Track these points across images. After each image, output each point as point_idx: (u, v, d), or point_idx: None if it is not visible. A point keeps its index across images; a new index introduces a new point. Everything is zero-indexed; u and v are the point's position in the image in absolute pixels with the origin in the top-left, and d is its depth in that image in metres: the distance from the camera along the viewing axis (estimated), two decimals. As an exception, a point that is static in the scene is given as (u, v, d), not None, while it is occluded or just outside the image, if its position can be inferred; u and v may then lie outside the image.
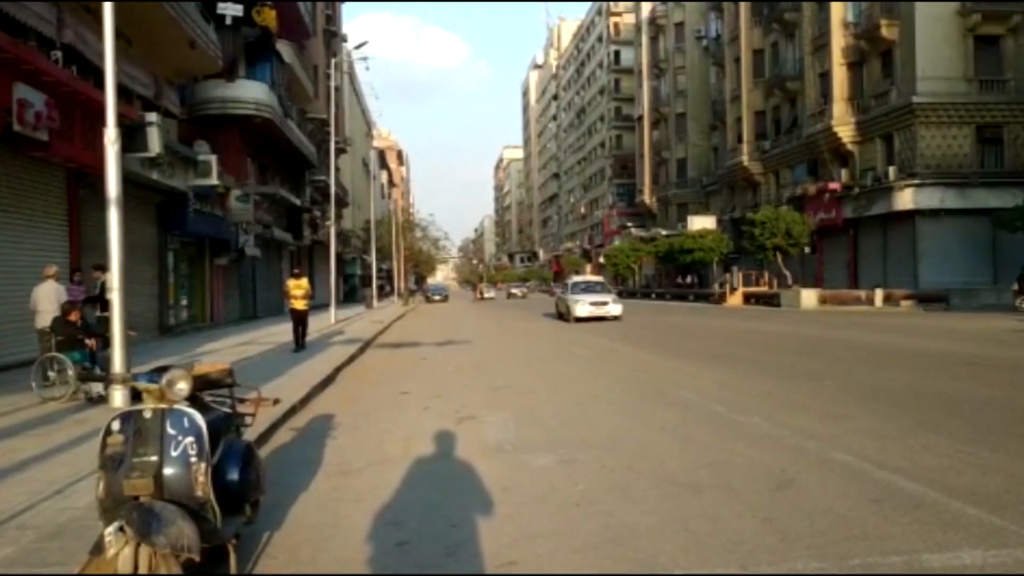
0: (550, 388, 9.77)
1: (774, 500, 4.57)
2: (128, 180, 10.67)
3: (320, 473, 5.59)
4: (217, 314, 23.76)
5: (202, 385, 3.56)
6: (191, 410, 3.20)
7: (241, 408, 4.11)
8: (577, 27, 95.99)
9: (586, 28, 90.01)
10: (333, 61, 32.20)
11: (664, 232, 54.79)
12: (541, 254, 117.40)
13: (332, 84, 32.06)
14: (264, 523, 4.16)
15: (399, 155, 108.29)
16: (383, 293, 54.49)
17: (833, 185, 36.28)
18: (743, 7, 45.81)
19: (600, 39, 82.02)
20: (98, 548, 2.76)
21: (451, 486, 5.16)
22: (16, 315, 11.71)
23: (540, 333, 20.92)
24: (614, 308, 24.19)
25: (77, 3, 14.05)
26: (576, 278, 31.41)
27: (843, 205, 35.97)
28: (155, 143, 14.63)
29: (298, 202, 34.03)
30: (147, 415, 3.16)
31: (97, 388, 8.35)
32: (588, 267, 71.93)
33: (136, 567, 2.73)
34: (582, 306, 24.10)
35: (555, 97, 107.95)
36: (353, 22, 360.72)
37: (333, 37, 43.74)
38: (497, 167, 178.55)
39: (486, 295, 61.26)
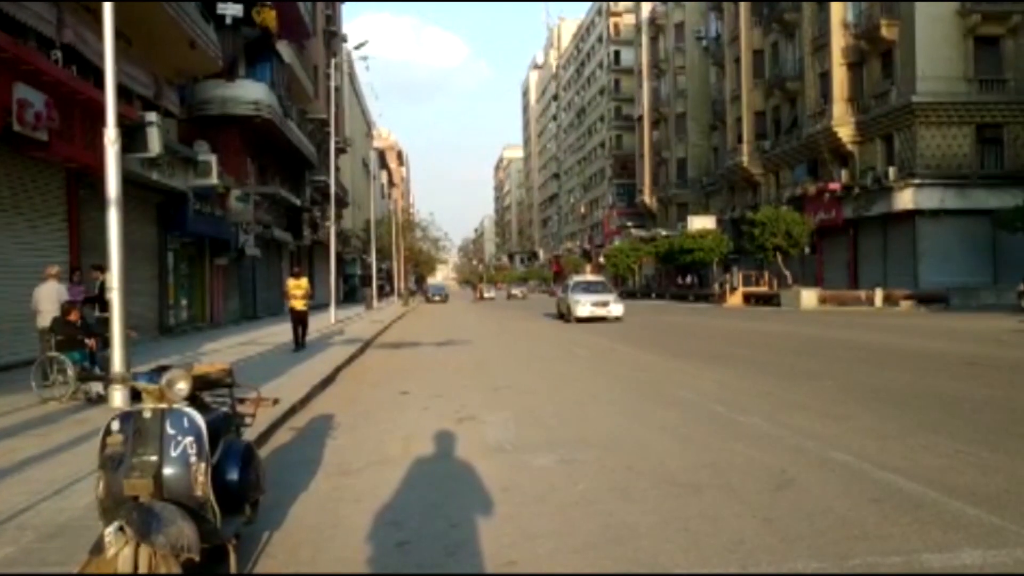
0: (550, 388, 9.77)
1: (774, 500, 4.57)
2: (128, 180, 10.67)
3: (320, 473, 5.58)
4: (217, 314, 23.76)
5: (202, 385, 3.57)
6: (191, 410, 3.20)
7: (241, 408, 4.11)
8: (577, 27, 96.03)
9: (586, 28, 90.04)
10: (333, 61, 32.23)
11: (664, 232, 54.80)
12: (541, 254, 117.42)
13: (332, 84, 32.06)
14: (264, 523, 4.16)
15: (399, 155, 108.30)
16: (383, 293, 54.49)
17: (833, 185, 36.29)
18: (743, 7, 45.82)
19: (600, 39, 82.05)
20: (98, 548, 2.76)
21: (451, 486, 5.16)
22: (15, 315, 11.71)
23: (540, 333, 20.92)
24: (616, 308, 24.05)
25: (77, 3, 14.05)
26: (577, 278, 31.30)
27: (843, 205, 35.98)
28: (155, 143, 14.62)
29: (298, 202, 34.03)
30: (147, 415, 3.16)
31: (97, 388, 8.36)
32: (588, 267, 71.92)
33: (136, 567, 2.73)
34: (583, 306, 24.03)
35: (555, 97, 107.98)
36: (353, 22, 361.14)
37: (333, 37, 43.76)
38: (497, 167, 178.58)
39: (486, 295, 61.31)
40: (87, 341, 8.84)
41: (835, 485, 4.84)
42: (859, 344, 14.73)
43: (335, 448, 6.45)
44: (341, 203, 42.76)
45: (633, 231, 64.92)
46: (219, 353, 14.10)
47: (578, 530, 4.14)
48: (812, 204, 37.52)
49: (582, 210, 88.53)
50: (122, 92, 11.06)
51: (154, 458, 3.06)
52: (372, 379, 11.41)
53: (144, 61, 17.10)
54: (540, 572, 3.59)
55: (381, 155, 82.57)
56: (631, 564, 3.64)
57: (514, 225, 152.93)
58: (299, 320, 15.08)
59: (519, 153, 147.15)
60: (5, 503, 4.51)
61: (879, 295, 29.31)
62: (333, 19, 44.16)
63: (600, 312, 23.90)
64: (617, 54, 77.71)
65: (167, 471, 3.06)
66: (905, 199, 31.98)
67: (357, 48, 39.43)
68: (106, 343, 7.95)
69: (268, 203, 29.88)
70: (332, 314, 23.98)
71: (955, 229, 31.48)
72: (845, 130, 35.82)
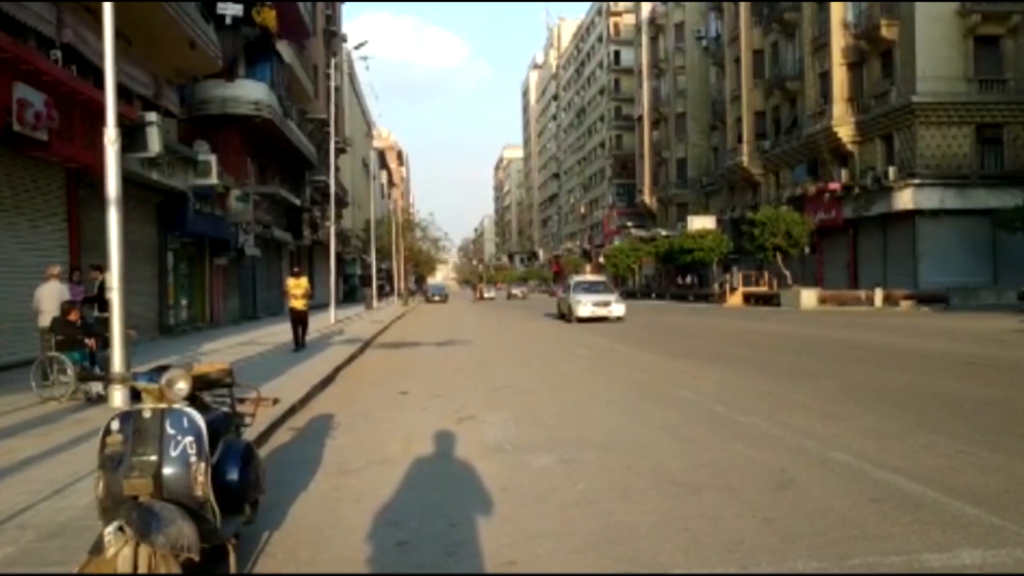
0: (550, 388, 9.77)
1: (774, 500, 4.57)
2: (128, 180, 10.67)
3: (320, 473, 5.58)
4: (217, 314, 23.76)
5: (202, 385, 3.56)
6: (190, 410, 3.20)
7: (241, 408, 4.11)
8: (577, 27, 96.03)
9: (586, 28, 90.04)
10: (333, 61, 32.20)
11: (664, 232, 54.80)
12: (541, 254, 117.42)
13: (332, 84, 32.06)
14: (264, 523, 4.16)
15: (399, 155, 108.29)
16: (383, 293, 54.50)
17: (833, 185, 36.29)
18: (743, 7, 45.82)
19: (600, 39, 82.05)
20: (97, 548, 2.76)
21: (451, 486, 5.16)
22: (15, 315, 11.71)
23: (540, 333, 20.92)
24: (617, 308, 23.99)
25: (77, 3, 14.05)
26: (578, 278, 31.28)
27: (843, 205, 35.98)
28: (155, 143, 14.63)
29: (298, 202, 34.03)
30: (146, 415, 3.16)
31: (97, 388, 8.35)
32: (588, 267, 71.95)
33: (135, 567, 2.73)
34: (584, 306, 23.99)
35: (555, 97, 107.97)
36: (353, 22, 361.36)
37: (333, 37, 43.77)
38: (497, 167, 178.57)
39: (486, 295, 61.31)
40: (87, 341, 8.85)
41: (835, 485, 4.84)
42: (859, 344, 14.73)
43: (335, 448, 6.45)
44: (341, 203, 42.77)
45: (633, 231, 64.93)
46: (219, 353, 14.10)
47: (578, 530, 4.14)
48: (812, 204, 37.52)
49: (582, 210, 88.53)
50: (122, 92, 11.05)
51: (154, 458, 3.06)
52: (372, 379, 11.41)
53: (144, 61, 17.10)
54: (540, 572, 3.59)
55: (381, 155, 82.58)
56: (631, 564, 3.63)
57: (514, 225, 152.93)
58: (299, 320, 15.08)
59: (519, 153, 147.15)
60: (5, 503, 4.50)
61: (879, 295, 29.30)
62: (333, 19, 44.17)
63: (601, 312, 23.86)
64: (617, 54, 77.71)
65: (167, 471, 3.06)
66: (905, 199, 31.99)
67: (357, 48, 39.41)
68: (106, 343, 7.95)
69: (268, 203, 29.88)
70: (332, 314, 23.98)
71: (955, 229, 31.48)
72: (845, 130, 35.83)
